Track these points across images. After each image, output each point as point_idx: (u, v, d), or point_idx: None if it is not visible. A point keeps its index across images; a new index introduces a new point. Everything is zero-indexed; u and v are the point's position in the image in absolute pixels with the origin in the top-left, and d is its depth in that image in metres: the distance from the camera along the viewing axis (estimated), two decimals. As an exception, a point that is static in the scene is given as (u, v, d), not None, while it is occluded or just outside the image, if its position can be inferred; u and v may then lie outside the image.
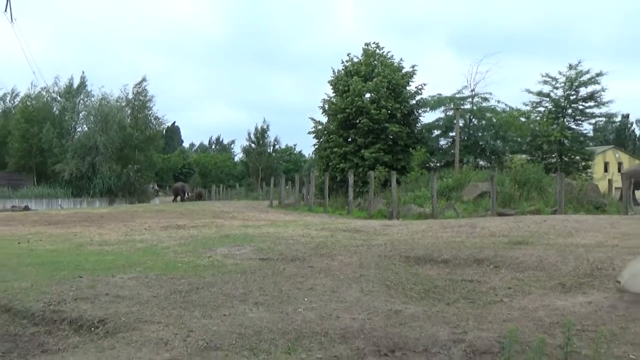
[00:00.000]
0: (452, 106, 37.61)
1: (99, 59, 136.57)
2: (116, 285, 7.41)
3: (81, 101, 54.45)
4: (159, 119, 55.74)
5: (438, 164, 37.31)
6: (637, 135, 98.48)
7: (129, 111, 52.67)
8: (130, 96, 52.80)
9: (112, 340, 5.27)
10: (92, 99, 53.49)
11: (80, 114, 53.64)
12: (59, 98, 54.32)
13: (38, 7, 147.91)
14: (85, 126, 52.09)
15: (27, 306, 6.37)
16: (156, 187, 63.87)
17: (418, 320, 5.90)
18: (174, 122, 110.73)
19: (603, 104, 41.10)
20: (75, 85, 54.71)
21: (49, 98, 54.18)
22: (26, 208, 34.77)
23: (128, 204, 43.40)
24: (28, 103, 53.49)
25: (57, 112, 53.57)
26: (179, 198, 52.29)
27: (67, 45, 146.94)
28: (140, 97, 52.92)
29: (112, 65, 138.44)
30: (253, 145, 79.33)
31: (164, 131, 68.64)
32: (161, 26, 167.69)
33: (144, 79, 53.52)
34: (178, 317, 5.97)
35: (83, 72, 61.19)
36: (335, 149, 36.78)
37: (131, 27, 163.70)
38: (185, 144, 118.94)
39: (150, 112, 53.87)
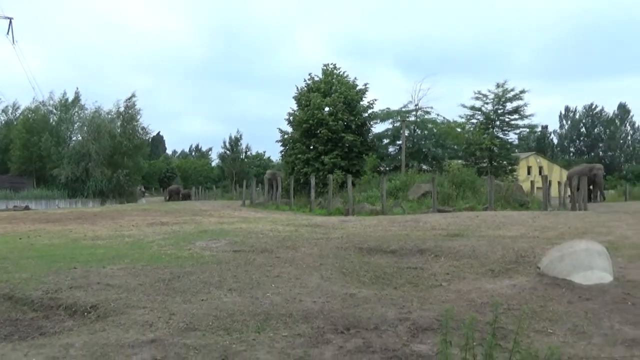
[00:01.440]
0: (399, 118, 37.94)
1: (93, 76, 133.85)
2: (107, 275, 7.30)
3: (76, 113, 53.81)
4: (145, 129, 54.98)
5: (387, 168, 37.59)
6: (555, 143, 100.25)
7: (119, 122, 51.85)
8: (121, 109, 52.09)
9: (102, 324, 5.19)
10: (86, 111, 52.90)
11: (75, 125, 53.11)
12: (54, 111, 53.56)
13: (37, 29, 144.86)
14: (79, 135, 51.37)
15: (27, 294, 6.25)
16: (143, 189, 63.12)
17: (370, 302, 5.93)
18: (159, 132, 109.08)
19: (526, 116, 42.08)
20: (70, 100, 54.25)
21: (46, 111, 53.27)
22: (27, 208, 33.92)
23: (118, 204, 42.72)
24: (28, 115, 52.76)
25: (54, 123, 52.82)
26: (170, 197, 52.05)
27: (64, 64, 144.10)
28: (129, 111, 52.18)
29: (104, 82, 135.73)
30: (228, 152, 79.08)
31: (150, 140, 67.84)
32: (149, 48, 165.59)
33: (133, 95, 52.89)
34: (161, 302, 5.91)
35: (77, 88, 61.31)
36: (299, 155, 36.82)
37: (122, 49, 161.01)
38: (169, 151, 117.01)
39: (137, 123, 53.09)
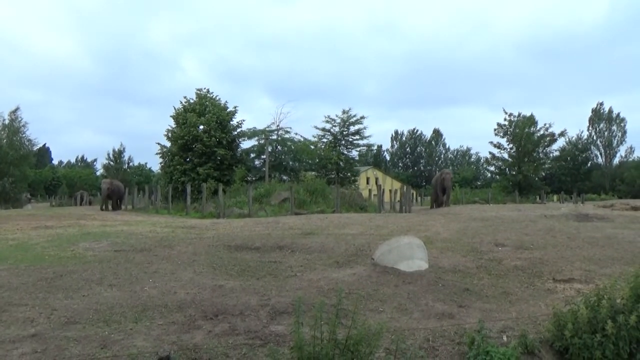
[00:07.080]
0: (263, 136, 38.10)
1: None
2: (-11, 276, 6.55)
3: (-38, 126, 48.00)
4: (31, 141, 50.45)
5: (253, 178, 37.46)
6: (388, 159, 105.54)
7: (4, 134, 46.97)
8: (6, 122, 47.22)
9: (-17, 322, 4.65)
10: (-27, 124, 47.26)
11: (-38, 136, 47.32)
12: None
13: None
14: (-35, 146, 45.85)
15: None
16: (29, 196, 57.61)
17: (236, 292, 5.86)
18: (45, 144, 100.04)
19: (365, 137, 44.31)
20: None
21: None
22: None
23: (3, 210, 38.58)
24: None
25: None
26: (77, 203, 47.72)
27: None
28: (15, 123, 47.45)
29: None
30: (112, 162, 75.16)
31: (37, 151, 62.18)
32: (40, 66, 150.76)
33: (17, 108, 48.26)
34: (43, 299, 5.41)
35: (-37, 102, 54.83)
36: (177, 167, 35.71)
37: (13, 66, 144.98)
38: (55, 162, 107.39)
39: (24, 135, 48.55)
